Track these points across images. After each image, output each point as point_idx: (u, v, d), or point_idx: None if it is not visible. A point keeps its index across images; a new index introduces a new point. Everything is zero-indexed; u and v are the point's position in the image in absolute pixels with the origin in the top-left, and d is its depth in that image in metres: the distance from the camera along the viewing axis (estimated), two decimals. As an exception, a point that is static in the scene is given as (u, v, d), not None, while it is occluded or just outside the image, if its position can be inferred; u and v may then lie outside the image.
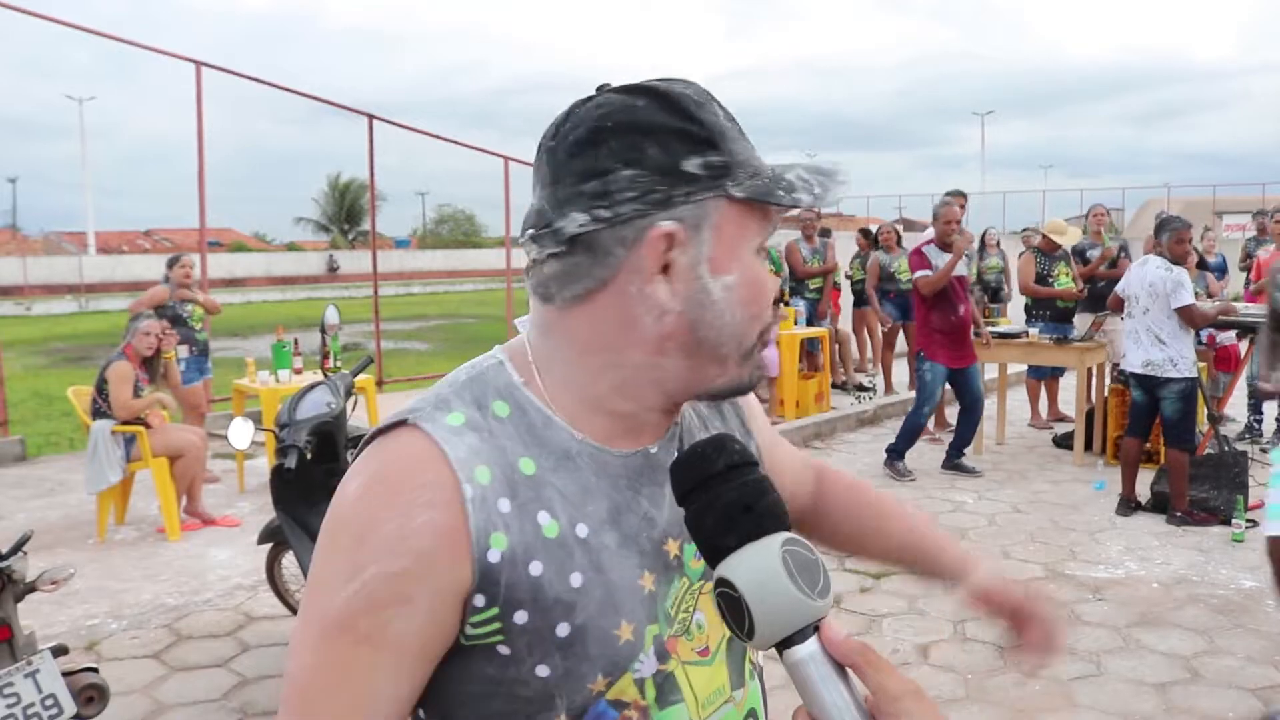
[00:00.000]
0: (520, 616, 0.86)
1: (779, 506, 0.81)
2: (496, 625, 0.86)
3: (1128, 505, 6.27)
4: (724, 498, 0.80)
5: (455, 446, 0.87)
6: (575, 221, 0.88)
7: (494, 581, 0.85)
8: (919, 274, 7.20)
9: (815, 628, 0.78)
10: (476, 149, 12.68)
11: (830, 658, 0.78)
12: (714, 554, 0.81)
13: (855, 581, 5.06)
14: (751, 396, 1.15)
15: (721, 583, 0.79)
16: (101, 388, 5.90)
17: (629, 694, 0.91)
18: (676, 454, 0.92)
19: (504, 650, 0.87)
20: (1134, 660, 4.17)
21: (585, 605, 0.88)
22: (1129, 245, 9.10)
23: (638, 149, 0.88)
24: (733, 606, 0.79)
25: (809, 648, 0.78)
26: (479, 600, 0.85)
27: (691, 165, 0.88)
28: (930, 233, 7.98)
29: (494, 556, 0.85)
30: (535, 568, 0.86)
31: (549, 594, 0.86)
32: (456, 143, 12.49)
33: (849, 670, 0.78)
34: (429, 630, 0.85)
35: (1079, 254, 8.87)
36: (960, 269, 7.13)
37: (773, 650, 0.80)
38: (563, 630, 0.87)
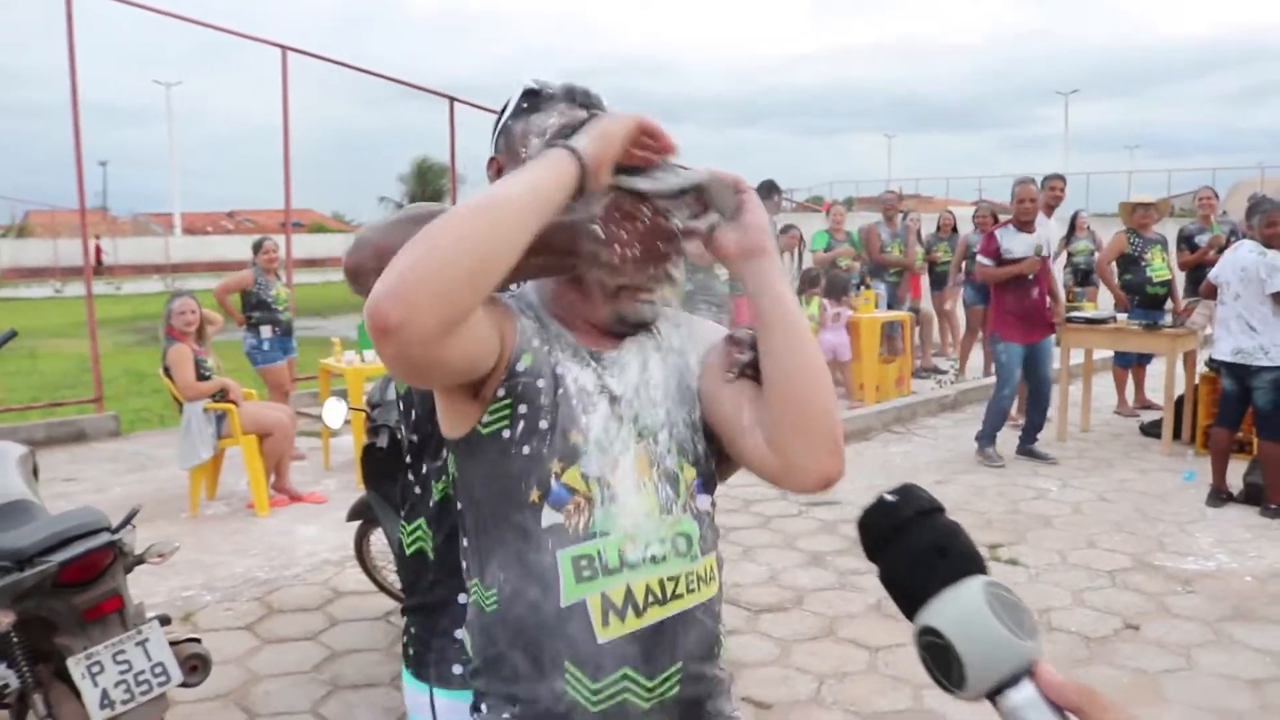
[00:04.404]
0: (522, 409, 1.33)
1: (973, 548, 0.80)
2: (507, 412, 1.33)
3: (1219, 496, 6.12)
4: (916, 544, 0.79)
5: (518, 309, 1.40)
6: None
7: (515, 380, 1.33)
8: (982, 259, 7.17)
9: (1029, 672, 0.75)
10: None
11: (1049, 702, 0.75)
12: (912, 602, 0.79)
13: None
14: (703, 325, 1.54)
15: (926, 631, 0.77)
16: (168, 372, 6.04)
17: (579, 485, 1.33)
18: (636, 358, 1.42)
19: (506, 434, 1.33)
20: (1226, 655, 4.07)
21: (557, 415, 1.34)
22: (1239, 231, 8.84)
23: None
24: (939, 655, 0.77)
25: (1025, 693, 0.75)
26: (500, 391, 1.32)
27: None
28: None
29: (520, 366, 1.33)
30: (541, 383, 1.34)
31: (541, 400, 1.33)
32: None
33: (1069, 716, 0.75)
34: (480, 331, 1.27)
35: (1187, 239, 8.63)
36: (1039, 247, 7.02)
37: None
38: (543, 424, 1.33)
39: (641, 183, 1.31)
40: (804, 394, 1.32)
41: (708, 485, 1.45)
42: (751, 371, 1.38)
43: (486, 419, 1.34)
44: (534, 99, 1.55)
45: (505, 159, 1.56)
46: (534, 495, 1.33)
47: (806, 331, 1.35)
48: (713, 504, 1.46)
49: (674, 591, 1.35)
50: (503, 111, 1.58)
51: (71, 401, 9.13)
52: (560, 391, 1.35)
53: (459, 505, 1.44)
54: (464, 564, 1.44)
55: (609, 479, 1.34)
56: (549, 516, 1.32)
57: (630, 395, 1.39)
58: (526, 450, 1.33)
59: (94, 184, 56.55)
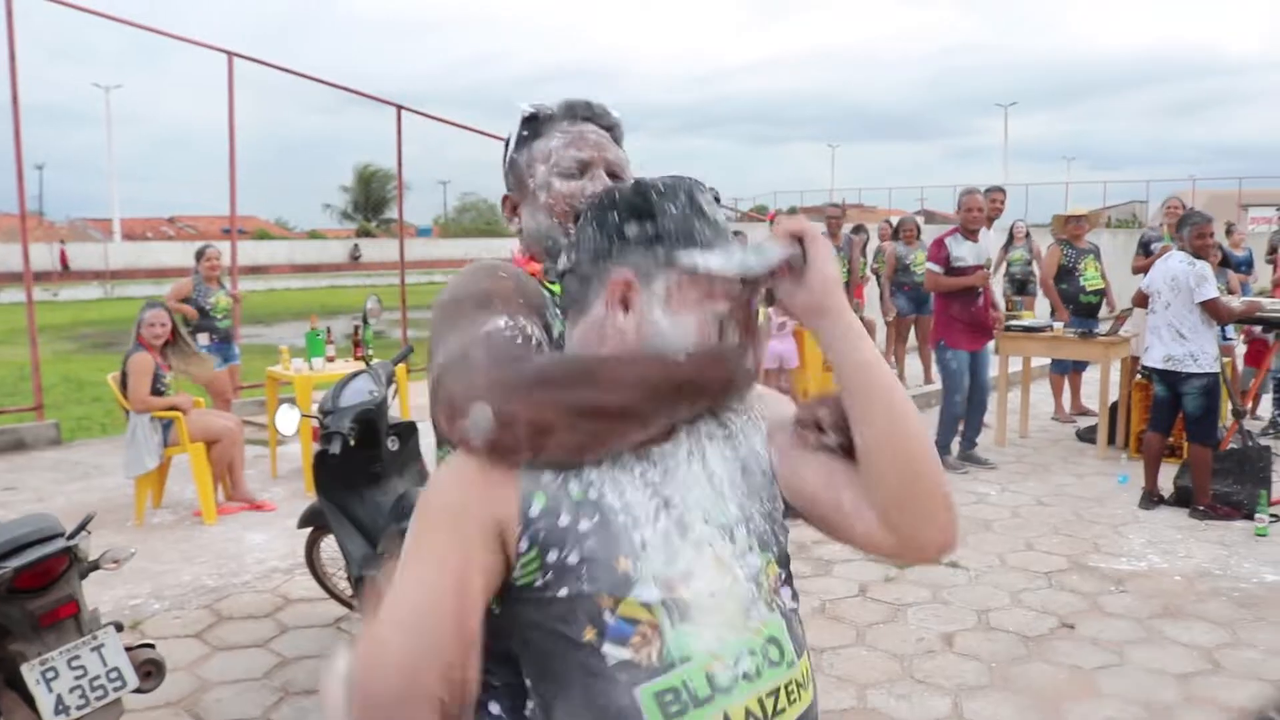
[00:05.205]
0: (551, 555, 1.16)
1: None
2: (537, 563, 1.16)
3: (1151, 499, 6.31)
4: None
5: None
6: (562, 261, 1.29)
7: (534, 528, 1.16)
8: (930, 265, 7.31)
9: None
10: (502, 139, 12.71)
11: None
12: None
13: (880, 571, 5.13)
14: (762, 400, 1.43)
15: None
16: (125, 380, 5.99)
17: (639, 614, 1.15)
18: (690, 451, 1.24)
19: (539, 582, 1.16)
20: (1156, 651, 4.23)
21: (588, 545, 1.16)
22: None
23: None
24: None
25: None
26: (523, 545, 1.15)
27: (629, 230, 1.22)
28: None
29: (534, 511, 1.16)
30: (563, 519, 1.17)
31: (568, 537, 1.16)
32: (485, 134, 12.37)
33: None
34: (477, 546, 1.15)
35: (1143, 245, 8.86)
36: (981, 257, 7.19)
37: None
38: (573, 559, 1.16)
39: (714, 260, 1.20)
40: (914, 465, 1.19)
41: (789, 579, 1.32)
42: (839, 445, 1.25)
43: (518, 573, 1.17)
44: (534, 124, 1.49)
45: (517, 195, 1.51)
46: (589, 634, 1.16)
47: (901, 395, 1.21)
48: (795, 597, 1.33)
49: (776, 708, 1.20)
50: (507, 146, 1.51)
51: (10, 410, 8.98)
52: (596, 518, 1.18)
53: (512, 646, 1.25)
54: (529, 709, 1.25)
55: (678, 596, 1.17)
56: (615, 653, 1.15)
57: (690, 494, 1.23)
58: (564, 593, 1.16)
59: (30, 188, 55.38)
